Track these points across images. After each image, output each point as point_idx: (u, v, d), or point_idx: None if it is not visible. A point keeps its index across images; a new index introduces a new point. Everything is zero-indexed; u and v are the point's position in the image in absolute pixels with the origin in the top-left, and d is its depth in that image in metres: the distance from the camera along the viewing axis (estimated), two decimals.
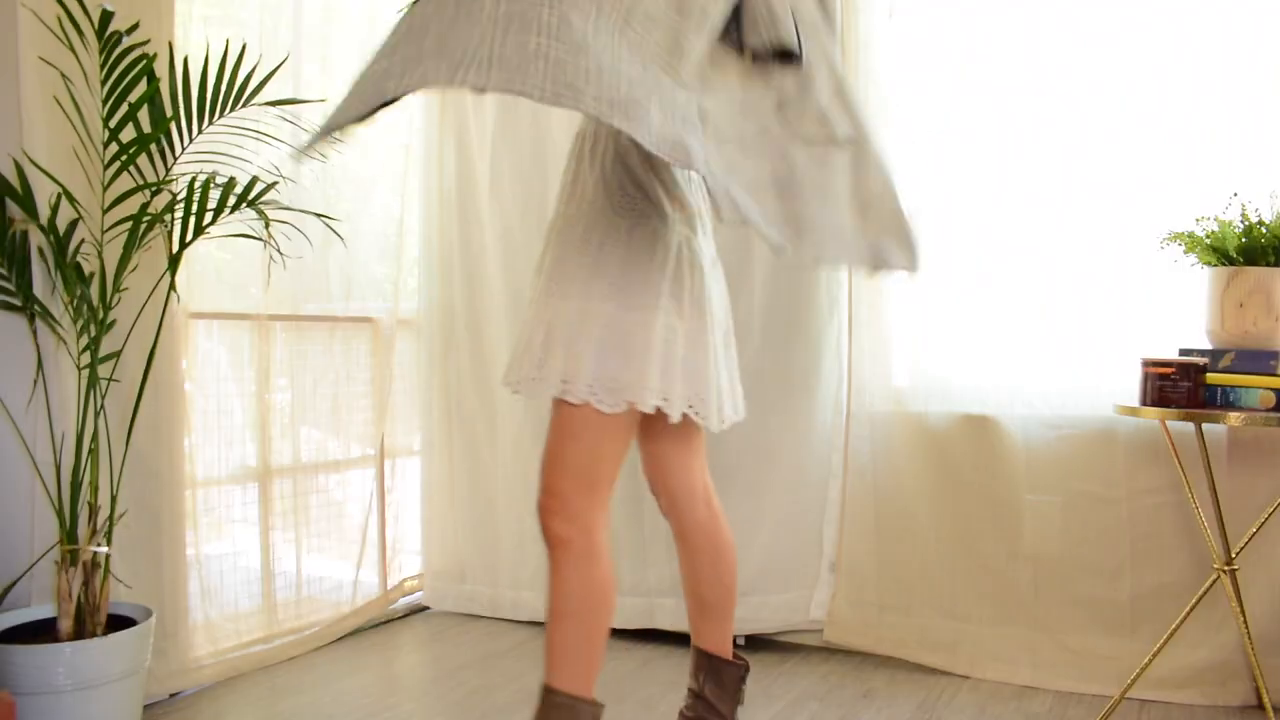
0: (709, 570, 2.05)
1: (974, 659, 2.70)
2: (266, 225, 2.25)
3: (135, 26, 2.06)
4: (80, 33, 2.05)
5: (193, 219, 2.20)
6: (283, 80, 2.63)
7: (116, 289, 2.15)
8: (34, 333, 2.19)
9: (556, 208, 1.87)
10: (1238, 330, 2.22)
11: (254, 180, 2.26)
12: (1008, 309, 2.70)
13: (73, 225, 2.15)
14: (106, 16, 2.01)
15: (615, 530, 3.05)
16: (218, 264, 2.71)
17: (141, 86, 2.12)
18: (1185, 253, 2.32)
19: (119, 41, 2.04)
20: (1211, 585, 2.25)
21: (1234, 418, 2.07)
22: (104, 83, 2.07)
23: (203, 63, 2.21)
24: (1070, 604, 2.62)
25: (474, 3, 1.39)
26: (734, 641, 2.97)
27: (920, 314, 2.79)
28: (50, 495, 2.13)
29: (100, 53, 2.05)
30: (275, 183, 2.32)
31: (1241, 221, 2.25)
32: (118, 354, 2.21)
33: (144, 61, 2.07)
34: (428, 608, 3.38)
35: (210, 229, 2.24)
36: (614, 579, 1.82)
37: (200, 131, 2.24)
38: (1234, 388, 2.19)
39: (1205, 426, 2.41)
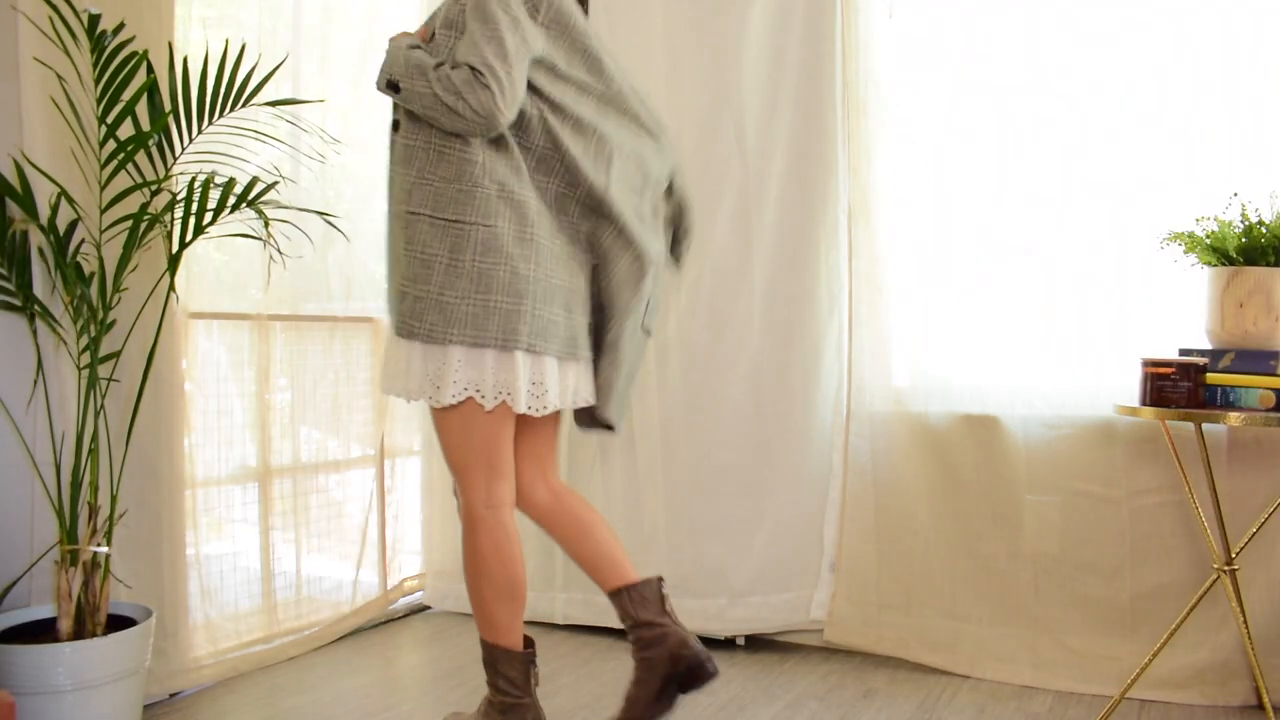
0: (575, 541, 2.24)
1: (974, 659, 2.70)
2: (266, 225, 2.25)
3: (121, 26, 2.06)
4: (73, 34, 2.05)
5: (192, 219, 2.20)
6: (282, 80, 2.63)
7: (116, 289, 2.15)
8: (34, 333, 2.19)
9: None
10: (1238, 330, 2.22)
11: (254, 180, 2.26)
12: (1008, 309, 2.70)
13: (73, 225, 2.15)
14: (94, 19, 2.01)
15: (616, 529, 3.05)
16: (217, 264, 2.71)
17: (135, 83, 2.11)
18: (1185, 253, 2.32)
19: (108, 41, 2.04)
20: (1211, 585, 2.25)
21: (1234, 418, 2.07)
22: (97, 82, 2.07)
23: (202, 63, 2.21)
24: (1070, 604, 2.62)
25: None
26: (734, 641, 3.00)
27: (920, 314, 2.79)
28: (50, 495, 2.13)
29: (91, 53, 2.05)
30: (276, 183, 2.32)
31: (1241, 221, 2.25)
32: (118, 354, 2.21)
33: (134, 59, 2.07)
34: (428, 608, 3.38)
35: (210, 229, 2.24)
36: (496, 547, 2.10)
37: (200, 131, 2.24)
38: (1234, 388, 2.19)
39: (1205, 426, 2.41)
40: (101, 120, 2.08)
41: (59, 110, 2.15)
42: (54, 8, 2.02)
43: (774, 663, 2.82)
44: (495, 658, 2.15)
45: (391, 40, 2.07)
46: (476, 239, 1.99)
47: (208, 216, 2.21)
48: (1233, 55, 2.47)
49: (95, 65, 2.06)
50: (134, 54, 2.08)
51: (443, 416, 2.06)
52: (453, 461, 2.11)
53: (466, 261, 1.99)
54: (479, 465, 2.09)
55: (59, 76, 2.11)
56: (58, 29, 2.05)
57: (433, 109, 1.97)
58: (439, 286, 1.98)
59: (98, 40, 2.03)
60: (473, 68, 1.93)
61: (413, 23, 3.29)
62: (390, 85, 2.01)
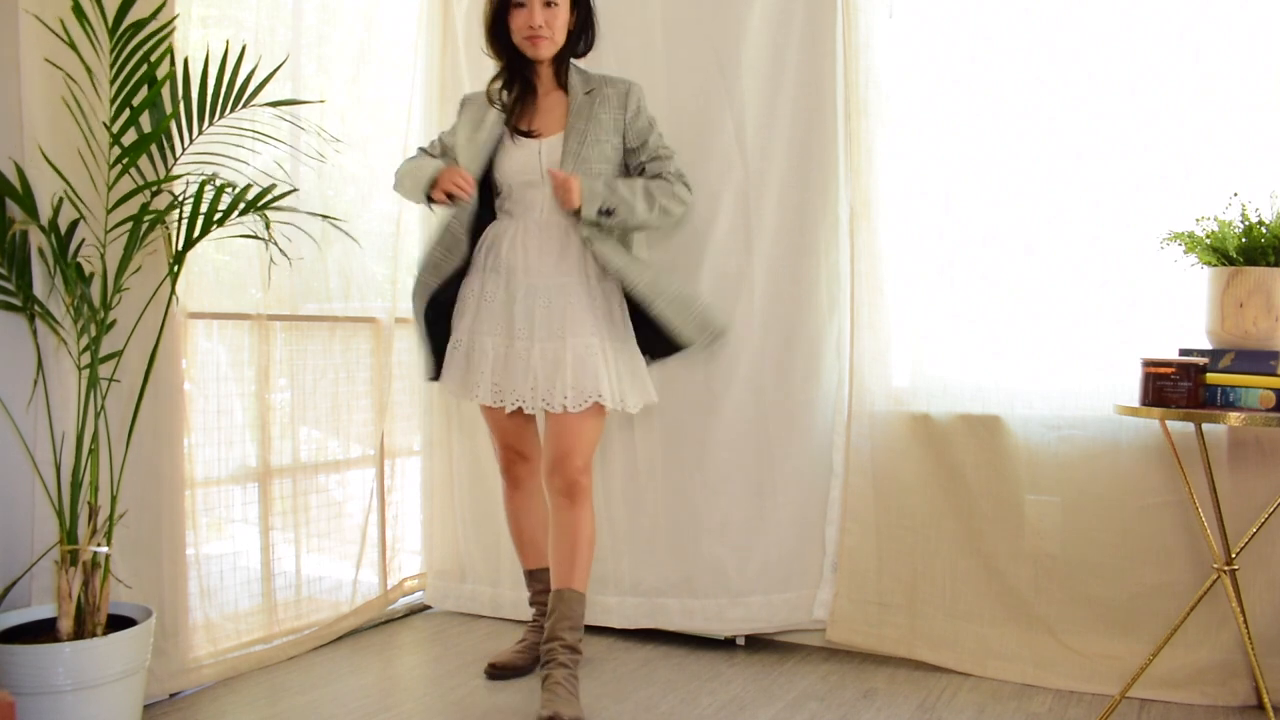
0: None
1: (975, 658, 2.70)
2: (267, 226, 2.24)
3: (161, 8, 2.05)
4: (90, 30, 2.04)
5: (200, 219, 2.19)
6: (281, 79, 2.63)
7: (117, 289, 2.14)
8: (34, 333, 2.18)
9: None
10: (1238, 330, 2.22)
11: (272, 187, 2.25)
12: (1008, 309, 2.69)
13: (74, 225, 2.15)
14: (126, 4, 2.01)
15: (616, 529, 3.05)
16: (216, 264, 2.70)
17: (160, 73, 2.11)
18: (1185, 253, 2.32)
19: (133, 35, 2.03)
20: (1211, 585, 2.25)
21: (1234, 418, 2.07)
22: (113, 82, 2.06)
23: (203, 63, 2.21)
24: (1071, 603, 2.62)
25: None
26: (734, 641, 3.00)
27: (921, 314, 2.79)
28: (50, 495, 2.13)
29: (111, 51, 2.04)
30: (289, 192, 2.32)
31: (1241, 221, 2.25)
32: (118, 354, 2.20)
33: (164, 48, 2.08)
34: (428, 607, 3.38)
35: (213, 230, 2.23)
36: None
37: (201, 132, 2.24)
38: (1234, 388, 2.19)
39: (1205, 426, 2.41)
40: (111, 122, 2.08)
41: (67, 109, 2.14)
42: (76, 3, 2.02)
43: (774, 663, 2.82)
44: (583, 604, 2.50)
45: (572, 178, 2.41)
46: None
47: (214, 218, 2.21)
48: (1232, 55, 2.47)
49: (113, 64, 2.05)
50: (160, 41, 2.07)
51: (599, 418, 2.50)
52: (591, 447, 2.51)
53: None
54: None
55: (68, 76, 2.11)
56: (67, 27, 2.04)
57: (664, 223, 2.57)
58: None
59: (123, 34, 2.02)
60: (684, 179, 2.57)
61: (411, 23, 3.29)
62: (604, 212, 2.44)
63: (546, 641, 2.45)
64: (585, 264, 2.51)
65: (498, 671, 2.69)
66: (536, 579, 2.78)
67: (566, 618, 2.45)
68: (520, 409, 2.52)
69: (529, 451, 2.73)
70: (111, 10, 2.04)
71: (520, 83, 2.58)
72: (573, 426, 2.47)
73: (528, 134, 2.55)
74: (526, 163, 2.53)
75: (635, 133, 2.56)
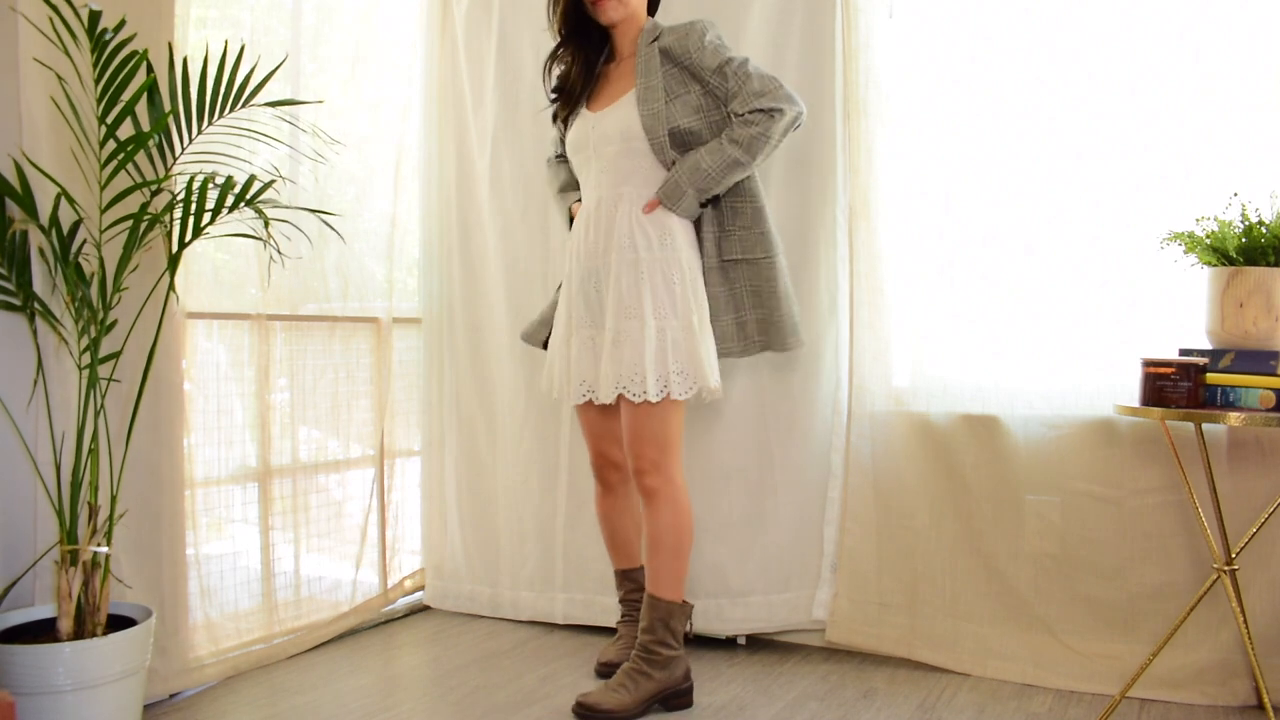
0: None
1: (975, 658, 2.70)
2: (266, 225, 2.24)
3: (122, 23, 2.05)
4: (73, 34, 2.05)
5: (192, 219, 2.19)
6: (280, 79, 2.63)
7: (117, 289, 2.14)
8: (34, 333, 2.18)
9: None
10: (1238, 330, 2.22)
11: (251, 179, 2.25)
12: (1008, 309, 2.69)
13: (75, 225, 2.15)
14: (95, 16, 2.00)
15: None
16: (215, 264, 2.70)
17: (136, 82, 2.11)
18: (1185, 253, 2.32)
19: (109, 38, 2.03)
20: (1211, 585, 2.25)
21: (1234, 418, 2.07)
22: (97, 81, 2.06)
23: (202, 63, 2.21)
24: (1070, 603, 2.62)
25: None
26: (734, 641, 3.00)
27: (920, 314, 2.79)
28: (50, 495, 2.13)
29: (92, 52, 2.04)
30: (273, 181, 2.31)
31: (1241, 221, 2.25)
32: (118, 354, 2.20)
33: (135, 58, 2.07)
34: (428, 607, 3.38)
35: (210, 229, 2.23)
36: (692, 512, 2.50)
37: (200, 132, 2.24)
38: (1234, 388, 2.19)
39: (1205, 426, 2.41)
40: (102, 120, 2.08)
41: (59, 110, 2.15)
42: (54, 7, 2.02)
43: (774, 663, 2.82)
44: (672, 613, 2.44)
45: (672, 187, 2.38)
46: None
47: (207, 216, 2.21)
48: (1232, 55, 2.47)
49: (95, 64, 2.05)
50: (134, 53, 2.07)
51: (674, 406, 2.37)
52: (669, 442, 2.39)
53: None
54: (680, 445, 2.42)
55: (59, 77, 2.11)
56: (57, 28, 2.04)
57: (748, 167, 2.38)
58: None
59: (98, 39, 2.03)
60: (756, 105, 2.33)
61: (409, 24, 3.29)
62: (710, 200, 2.42)
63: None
64: (636, 238, 2.40)
65: (605, 668, 2.70)
66: (624, 579, 2.77)
67: (644, 620, 2.46)
68: (598, 404, 2.47)
69: (610, 450, 2.64)
70: (89, 11, 2.04)
71: (582, 57, 2.54)
72: (628, 421, 2.40)
73: (585, 107, 2.54)
74: (580, 137, 2.51)
75: (706, 72, 2.39)
